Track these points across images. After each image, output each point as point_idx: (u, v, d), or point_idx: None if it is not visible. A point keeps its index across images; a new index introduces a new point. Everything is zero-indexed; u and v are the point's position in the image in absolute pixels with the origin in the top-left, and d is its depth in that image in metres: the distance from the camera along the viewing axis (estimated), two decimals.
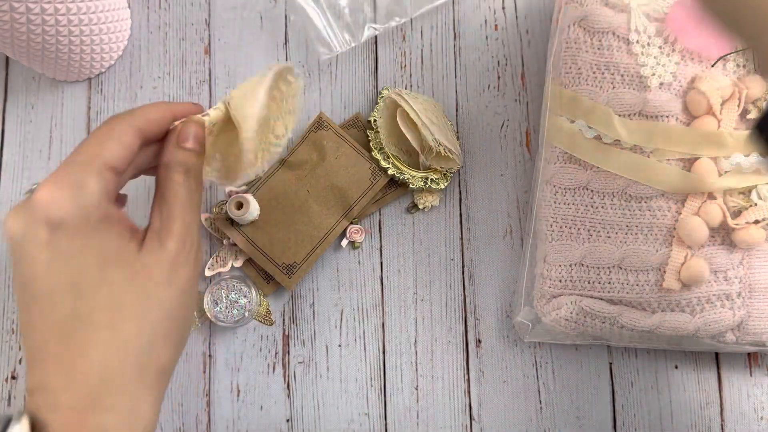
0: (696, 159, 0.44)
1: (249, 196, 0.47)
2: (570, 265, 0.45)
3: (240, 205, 0.46)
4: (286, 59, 0.51)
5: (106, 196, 0.31)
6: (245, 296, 0.46)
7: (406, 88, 0.51)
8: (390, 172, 0.48)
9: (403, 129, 0.47)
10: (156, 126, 0.34)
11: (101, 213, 0.30)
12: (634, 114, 0.45)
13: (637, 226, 0.44)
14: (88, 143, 0.31)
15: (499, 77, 0.51)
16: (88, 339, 0.30)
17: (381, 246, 0.49)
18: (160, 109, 0.34)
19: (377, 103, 0.49)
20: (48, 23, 0.43)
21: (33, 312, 0.30)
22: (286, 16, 0.52)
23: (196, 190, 0.34)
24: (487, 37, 0.52)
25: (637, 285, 0.44)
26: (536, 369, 0.48)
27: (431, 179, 0.48)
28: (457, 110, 0.51)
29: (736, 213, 0.44)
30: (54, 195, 0.30)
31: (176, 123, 0.35)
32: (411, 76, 0.51)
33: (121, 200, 0.36)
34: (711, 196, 0.44)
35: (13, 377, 0.47)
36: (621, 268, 0.44)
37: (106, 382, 0.29)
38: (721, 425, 0.46)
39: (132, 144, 0.32)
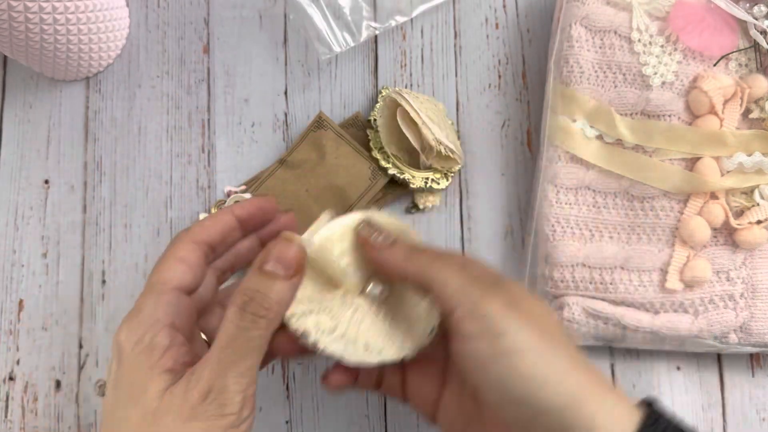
0: (698, 159, 0.44)
1: (248, 196, 0.46)
2: (572, 266, 0.44)
3: None
4: (286, 58, 0.51)
5: (164, 320, 0.30)
6: None
7: (406, 88, 0.50)
8: (390, 171, 0.48)
9: (403, 128, 0.46)
10: (222, 235, 0.34)
11: (146, 343, 0.30)
12: (636, 113, 0.45)
13: (639, 227, 0.44)
14: (154, 268, 0.32)
15: (500, 76, 0.51)
16: None
17: None
18: (220, 219, 0.34)
19: (377, 102, 0.49)
20: (46, 22, 0.43)
21: None
22: (285, 15, 0.51)
23: (250, 331, 0.29)
24: (487, 36, 0.51)
25: (641, 286, 0.43)
26: None
27: (432, 179, 0.48)
28: (457, 109, 0.50)
29: (739, 213, 0.44)
30: (123, 323, 0.31)
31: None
32: (411, 75, 0.51)
33: (220, 278, 0.37)
34: (713, 196, 0.44)
35: (11, 378, 0.47)
36: (624, 269, 0.44)
37: None
38: (723, 427, 0.46)
39: (196, 259, 0.32)
